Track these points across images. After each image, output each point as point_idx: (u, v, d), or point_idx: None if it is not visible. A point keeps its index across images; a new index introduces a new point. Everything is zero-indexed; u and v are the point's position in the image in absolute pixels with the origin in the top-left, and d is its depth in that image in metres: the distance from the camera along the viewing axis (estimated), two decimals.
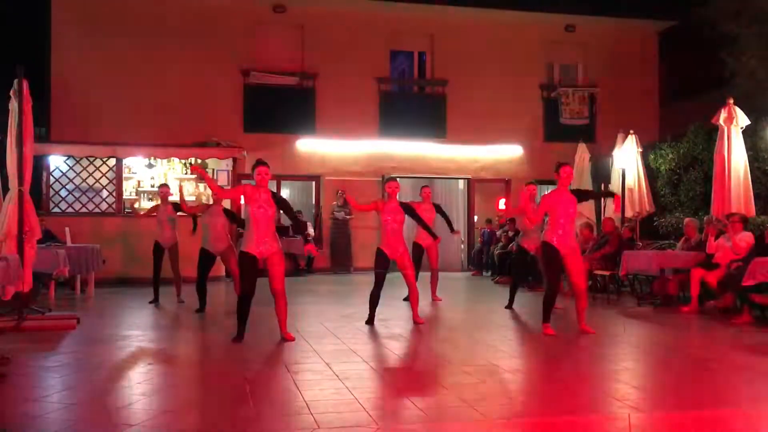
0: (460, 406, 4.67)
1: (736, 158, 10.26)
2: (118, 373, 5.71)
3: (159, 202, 10.55)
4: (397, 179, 8.57)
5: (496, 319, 8.94)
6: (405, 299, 10.22)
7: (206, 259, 9.44)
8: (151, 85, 15.54)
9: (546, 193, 7.94)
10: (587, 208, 14.08)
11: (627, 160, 12.88)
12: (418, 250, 10.29)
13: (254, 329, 8.22)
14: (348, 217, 15.89)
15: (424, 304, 9.50)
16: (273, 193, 7.10)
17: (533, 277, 12.32)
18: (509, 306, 9.62)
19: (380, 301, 8.24)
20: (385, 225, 8.17)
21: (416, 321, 8.22)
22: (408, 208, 8.33)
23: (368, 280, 10.84)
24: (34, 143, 7.91)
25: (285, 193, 18.03)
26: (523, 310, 9.48)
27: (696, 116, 13.25)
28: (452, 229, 10.78)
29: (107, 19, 15.52)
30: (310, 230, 16.13)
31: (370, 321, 8.14)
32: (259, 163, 6.96)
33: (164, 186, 10.61)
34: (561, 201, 7.43)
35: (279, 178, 15.92)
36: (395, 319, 8.59)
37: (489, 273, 15.24)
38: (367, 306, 8.25)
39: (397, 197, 8.29)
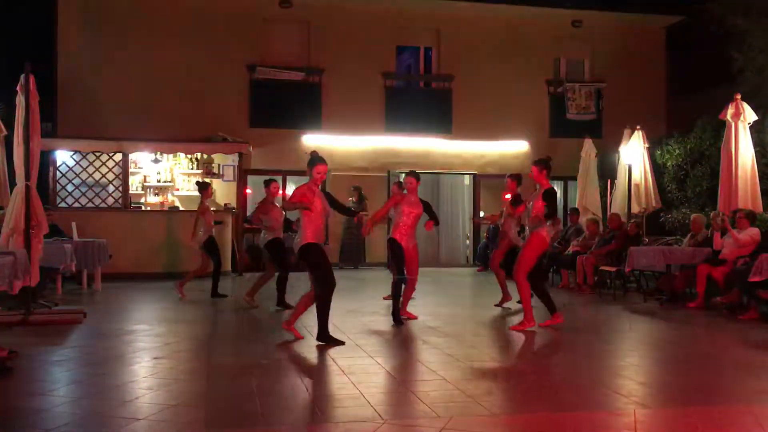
0: (466, 401, 4.67)
1: (743, 154, 10.22)
2: (125, 368, 5.74)
3: (203, 199, 10.52)
4: (415, 175, 8.47)
5: (502, 314, 8.93)
6: (385, 298, 10.01)
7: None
8: (157, 80, 15.54)
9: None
10: (593, 203, 14.04)
11: (633, 155, 12.84)
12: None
13: (260, 324, 8.25)
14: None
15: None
16: (422, 199, 8.04)
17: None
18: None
19: (382, 298, 8.16)
20: (403, 216, 8.12)
21: (407, 316, 8.16)
22: (427, 204, 8.41)
23: (376, 276, 10.87)
24: (40, 138, 7.92)
25: (291, 189, 18.04)
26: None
27: (703, 112, 13.20)
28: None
29: (113, 14, 15.51)
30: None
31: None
32: (321, 161, 6.70)
33: (210, 186, 10.84)
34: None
35: (285, 174, 15.94)
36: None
37: None
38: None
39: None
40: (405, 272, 8.06)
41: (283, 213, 9.38)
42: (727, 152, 10.32)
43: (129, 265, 13.02)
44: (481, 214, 16.63)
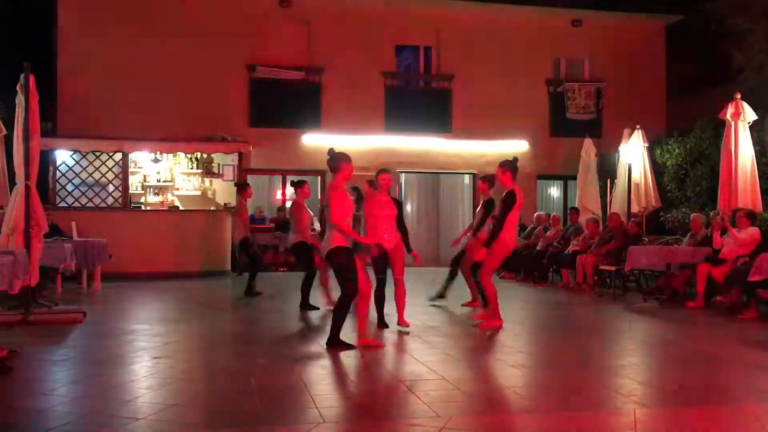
0: (466, 401, 4.67)
1: (743, 153, 10.23)
2: (125, 367, 5.73)
3: (242, 200, 10.74)
4: (391, 172, 8.09)
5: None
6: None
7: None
8: (157, 80, 15.54)
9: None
10: (593, 203, 14.05)
11: (633, 155, 12.84)
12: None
13: (259, 324, 8.25)
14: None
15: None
16: (393, 198, 7.76)
17: (538, 273, 12.39)
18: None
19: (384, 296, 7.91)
20: (378, 216, 7.59)
21: (402, 324, 7.60)
22: (399, 205, 7.91)
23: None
24: (40, 138, 7.92)
25: (291, 189, 18.04)
26: (527, 306, 9.47)
27: (703, 111, 13.20)
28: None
29: (113, 13, 15.52)
30: (316, 225, 16.10)
31: (381, 324, 7.61)
32: (348, 159, 6.51)
33: (249, 186, 11.12)
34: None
35: (284, 173, 15.95)
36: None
37: None
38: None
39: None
40: (387, 273, 7.70)
41: (312, 217, 9.31)
42: (726, 152, 10.33)
43: (129, 264, 13.01)
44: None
